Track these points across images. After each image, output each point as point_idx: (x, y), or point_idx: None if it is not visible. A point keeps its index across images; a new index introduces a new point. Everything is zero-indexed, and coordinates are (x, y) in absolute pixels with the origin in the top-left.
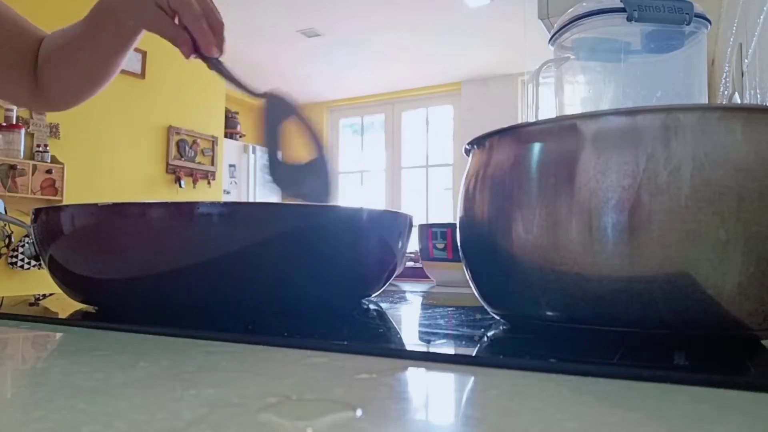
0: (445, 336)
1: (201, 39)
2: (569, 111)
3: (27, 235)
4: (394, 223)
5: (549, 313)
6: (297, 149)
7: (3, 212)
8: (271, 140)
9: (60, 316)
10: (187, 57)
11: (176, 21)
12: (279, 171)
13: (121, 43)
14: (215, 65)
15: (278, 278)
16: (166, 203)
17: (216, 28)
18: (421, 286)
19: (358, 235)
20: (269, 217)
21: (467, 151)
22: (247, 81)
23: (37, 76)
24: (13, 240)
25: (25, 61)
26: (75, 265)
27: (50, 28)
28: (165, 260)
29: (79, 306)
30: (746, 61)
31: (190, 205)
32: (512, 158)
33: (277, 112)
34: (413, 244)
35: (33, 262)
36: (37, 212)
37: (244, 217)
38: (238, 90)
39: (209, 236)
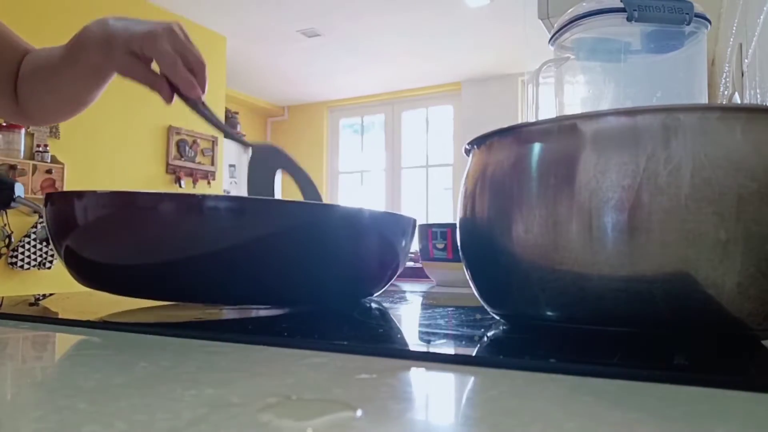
0: (445, 336)
1: (181, 85)
2: (569, 111)
3: (27, 235)
4: (399, 225)
5: (549, 313)
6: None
7: (21, 195)
8: (259, 191)
9: (60, 316)
10: (168, 103)
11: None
12: None
13: (95, 78)
14: (195, 107)
15: (283, 275)
16: (168, 194)
17: (196, 67)
18: (421, 286)
19: (364, 235)
20: (278, 213)
21: (467, 151)
22: (227, 127)
23: (17, 90)
24: (13, 240)
25: (8, 74)
26: (84, 249)
27: (35, 39)
28: (166, 252)
29: (78, 307)
30: (746, 61)
31: (197, 198)
32: (512, 158)
33: (266, 164)
34: (413, 245)
35: (33, 263)
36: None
37: (256, 212)
38: (222, 133)
39: (216, 231)
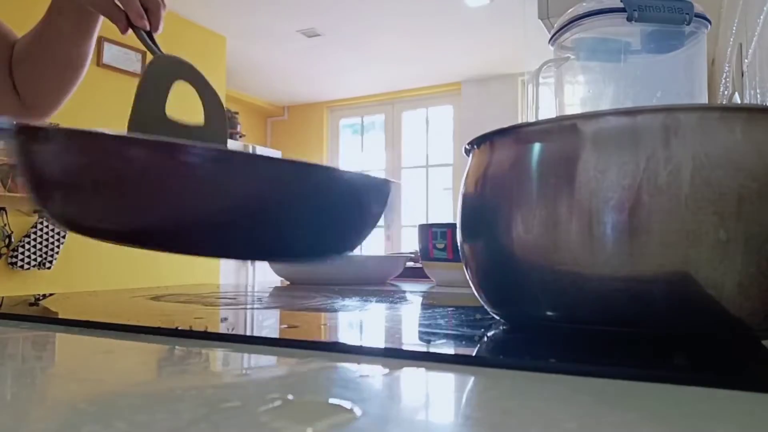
0: (445, 336)
1: (130, 14)
2: (569, 111)
3: (27, 235)
4: (369, 186)
5: (549, 313)
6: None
7: (9, 127)
8: (149, 94)
9: (60, 316)
10: (123, 33)
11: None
12: (145, 125)
13: (82, 25)
14: (141, 36)
15: (246, 226)
16: (152, 142)
17: (152, 6)
18: (421, 286)
19: (330, 192)
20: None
21: (467, 151)
22: (163, 51)
23: (13, 81)
24: (13, 240)
25: (2, 64)
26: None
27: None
28: (148, 203)
29: (78, 307)
30: (746, 61)
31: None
32: (512, 158)
33: (163, 75)
34: (414, 244)
35: (33, 263)
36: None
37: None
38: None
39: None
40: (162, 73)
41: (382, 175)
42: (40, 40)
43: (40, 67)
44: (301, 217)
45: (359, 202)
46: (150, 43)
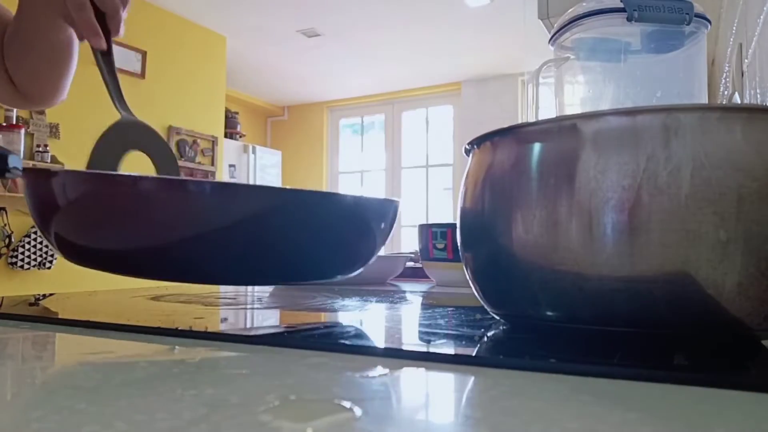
0: (445, 336)
1: (84, 32)
2: (569, 111)
3: (27, 235)
4: (377, 209)
5: (549, 313)
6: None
7: (18, 167)
8: (101, 162)
9: (60, 316)
10: (80, 40)
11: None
12: None
13: (54, 14)
14: (95, 55)
15: (257, 255)
16: (150, 178)
17: (110, 9)
18: (421, 286)
19: (337, 217)
20: (254, 197)
21: (467, 151)
22: (119, 91)
23: (7, 68)
24: (13, 240)
25: None
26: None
27: None
28: (151, 233)
29: (78, 307)
30: (746, 61)
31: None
32: (512, 158)
33: (115, 145)
34: (414, 244)
35: (33, 263)
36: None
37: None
38: (109, 94)
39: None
40: (119, 139)
41: (382, 175)
42: (18, 29)
43: (24, 56)
44: (304, 243)
45: (363, 225)
46: (105, 68)
